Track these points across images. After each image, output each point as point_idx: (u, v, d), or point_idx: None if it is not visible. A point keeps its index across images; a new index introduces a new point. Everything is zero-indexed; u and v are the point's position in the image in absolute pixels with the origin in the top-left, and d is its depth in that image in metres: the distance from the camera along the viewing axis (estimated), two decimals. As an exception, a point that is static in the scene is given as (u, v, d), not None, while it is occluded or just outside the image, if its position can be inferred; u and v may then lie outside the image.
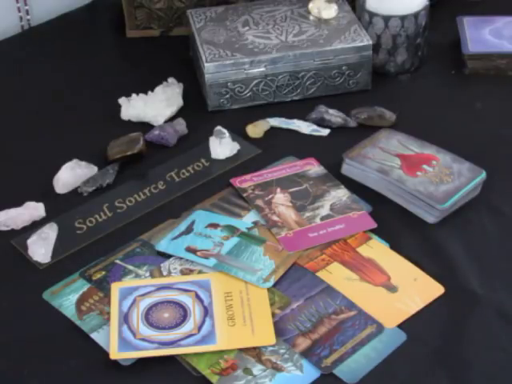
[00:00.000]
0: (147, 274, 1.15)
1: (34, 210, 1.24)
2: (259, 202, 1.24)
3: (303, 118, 1.40)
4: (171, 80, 1.46)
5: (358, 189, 1.26)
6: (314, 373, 1.02)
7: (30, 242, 1.18)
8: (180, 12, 1.61)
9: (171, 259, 1.16)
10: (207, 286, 1.12)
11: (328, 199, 1.25)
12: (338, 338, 1.06)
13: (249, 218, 1.22)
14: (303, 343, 1.05)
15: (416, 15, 1.46)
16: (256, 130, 1.38)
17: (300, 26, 1.48)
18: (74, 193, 1.29)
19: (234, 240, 1.18)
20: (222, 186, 1.29)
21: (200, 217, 1.22)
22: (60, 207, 1.26)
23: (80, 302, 1.11)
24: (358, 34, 1.45)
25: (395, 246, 1.18)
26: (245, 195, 1.26)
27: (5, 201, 1.25)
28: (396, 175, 1.24)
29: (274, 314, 1.09)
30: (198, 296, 1.10)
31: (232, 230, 1.20)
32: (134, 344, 1.05)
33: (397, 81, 1.50)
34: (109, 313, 1.09)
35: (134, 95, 1.43)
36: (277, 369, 1.03)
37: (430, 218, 1.21)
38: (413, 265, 1.15)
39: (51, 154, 1.35)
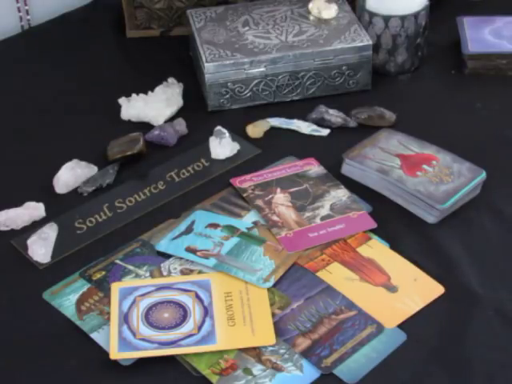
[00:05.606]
0: (147, 274, 1.15)
1: (34, 209, 1.24)
2: (259, 202, 1.24)
3: (303, 118, 1.40)
4: (171, 80, 1.46)
5: (357, 189, 1.26)
6: (314, 373, 1.02)
7: (30, 242, 1.18)
8: (180, 12, 1.61)
9: (171, 259, 1.16)
10: (207, 286, 1.12)
11: (328, 199, 1.25)
12: (337, 338, 1.06)
13: (249, 218, 1.22)
14: (303, 343, 1.05)
15: (416, 15, 1.46)
16: (256, 130, 1.38)
17: (300, 26, 1.47)
18: (74, 193, 1.29)
19: (234, 240, 1.18)
20: (222, 186, 1.29)
21: (200, 217, 1.22)
22: (60, 207, 1.26)
23: (80, 302, 1.11)
24: (358, 34, 1.45)
25: (395, 246, 1.18)
26: (245, 195, 1.26)
27: (5, 201, 1.25)
28: (396, 175, 1.24)
29: (274, 314, 1.09)
30: (198, 296, 1.10)
31: (232, 230, 1.20)
32: (134, 344, 1.05)
33: (397, 81, 1.50)
34: (109, 313, 1.09)
35: (134, 95, 1.43)
36: (277, 369, 1.03)
37: (430, 218, 1.21)
38: (413, 265, 1.15)
39: (51, 154, 1.35)
